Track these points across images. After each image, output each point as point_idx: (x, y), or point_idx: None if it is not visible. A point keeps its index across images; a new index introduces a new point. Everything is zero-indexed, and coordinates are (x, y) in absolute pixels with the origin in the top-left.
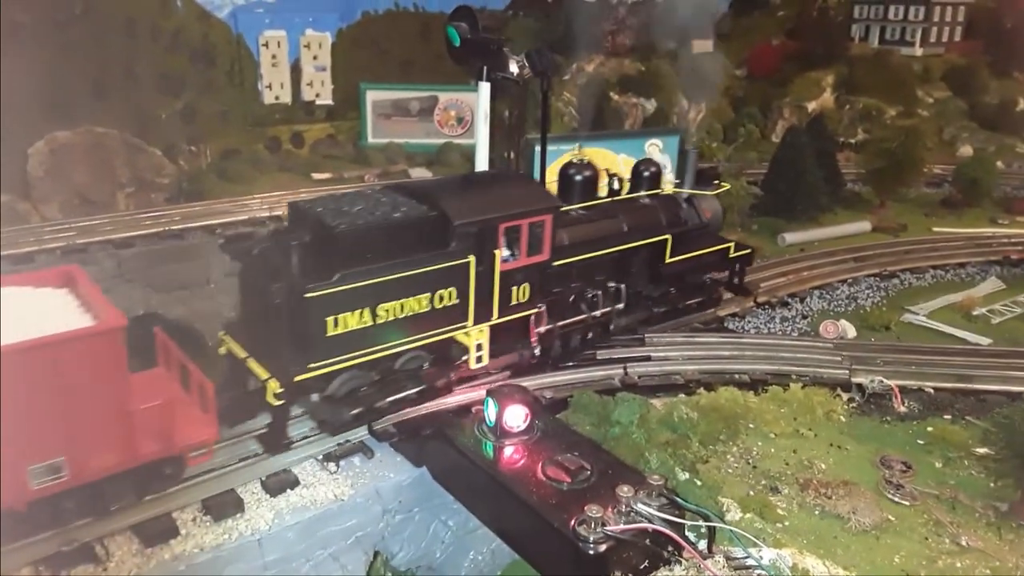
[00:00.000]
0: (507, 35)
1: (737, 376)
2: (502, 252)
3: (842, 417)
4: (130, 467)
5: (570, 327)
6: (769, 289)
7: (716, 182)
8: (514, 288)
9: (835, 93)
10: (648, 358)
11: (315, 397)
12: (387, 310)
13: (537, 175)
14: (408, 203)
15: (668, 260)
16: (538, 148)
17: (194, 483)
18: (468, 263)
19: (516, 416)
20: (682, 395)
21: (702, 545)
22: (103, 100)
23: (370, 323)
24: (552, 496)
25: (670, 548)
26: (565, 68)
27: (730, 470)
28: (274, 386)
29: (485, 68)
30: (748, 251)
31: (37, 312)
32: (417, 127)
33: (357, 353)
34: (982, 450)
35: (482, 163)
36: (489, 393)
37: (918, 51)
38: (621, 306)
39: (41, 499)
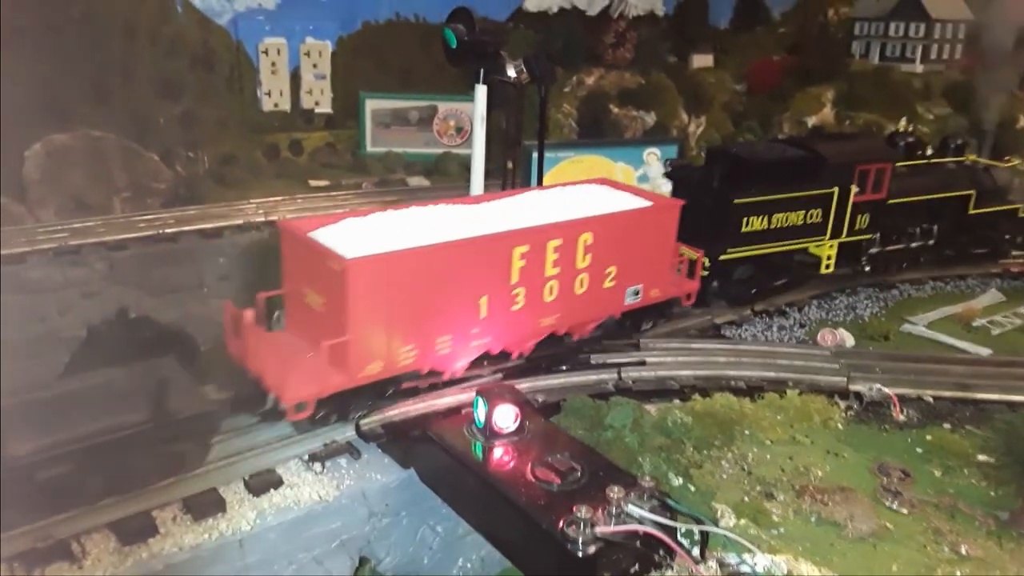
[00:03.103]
0: (508, 47)
1: (733, 382)
2: (855, 187)
3: (839, 425)
4: (658, 301)
5: (893, 253)
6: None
7: (1007, 158)
8: (859, 216)
9: (835, 109)
10: (643, 363)
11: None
12: (777, 219)
13: (534, 182)
14: (792, 148)
15: (971, 211)
16: (536, 155)
17: (175, 481)
18: (833, 192)
19: (506, 416)
20: (677, 400)
21: (695, 551)
22: (101, 104)
23: (766, 227)
24: (541, 497)
25: (661, 552)
26: (565, 80)
27: (724, 476)
28: (705, 262)
29: (482, 71)
30: None
31: (604, 198)
32: (416, 136)
33: (757, 247)
34: (982, 457)
35: (478, 167)
36: (479, 393)
37: (919, 68)
38: (932, 242)
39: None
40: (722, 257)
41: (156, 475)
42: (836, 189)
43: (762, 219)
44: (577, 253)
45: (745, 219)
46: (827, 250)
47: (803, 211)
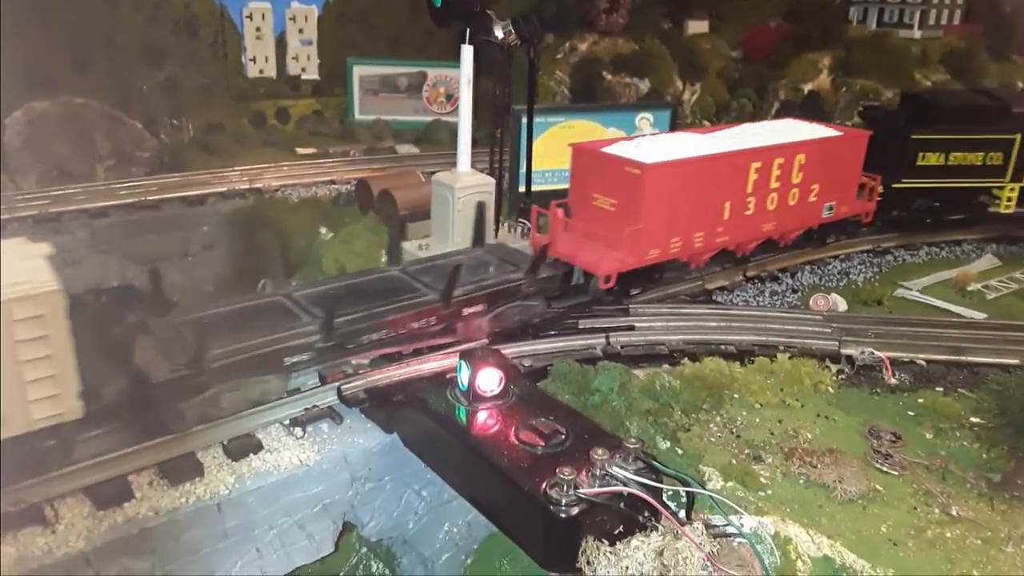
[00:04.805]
0: (498, 12)
1: (723, 347)
2: None
3: (830, 388)
4: (845, 217)
5: None
6: (761, 263)
7: None
8: None
9: (832, 75)
10: (632, 328)
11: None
12: (955, 157)
13: (524, 146)
14: (980, 96)
15: None
16: (525, 119)
17: (150, 445)
18: (1015, 139)
19: (490, 380)
20: (666, 365)
21: (681, 513)
22: (83, 71)
23: (942, 163)
24: (524, 460)
25: (646, 513)
26: (558, 47)
27: (712, 439)
28: (879, 188)
29: (468, 31)
30: None
31: (802, 129)
32: (405, 104)
33: (932, 180)
34: (975, 419)
35: (465, 130)
36: (462, 356)
37: (916, 33)
38: None
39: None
40: (895, 185)
41: (521, 317)
42: (1018, 136)
43: (938, 155)
44: (793, 170)
45: (921, 153)
46: (1007, 192)
47: (982, 152)
